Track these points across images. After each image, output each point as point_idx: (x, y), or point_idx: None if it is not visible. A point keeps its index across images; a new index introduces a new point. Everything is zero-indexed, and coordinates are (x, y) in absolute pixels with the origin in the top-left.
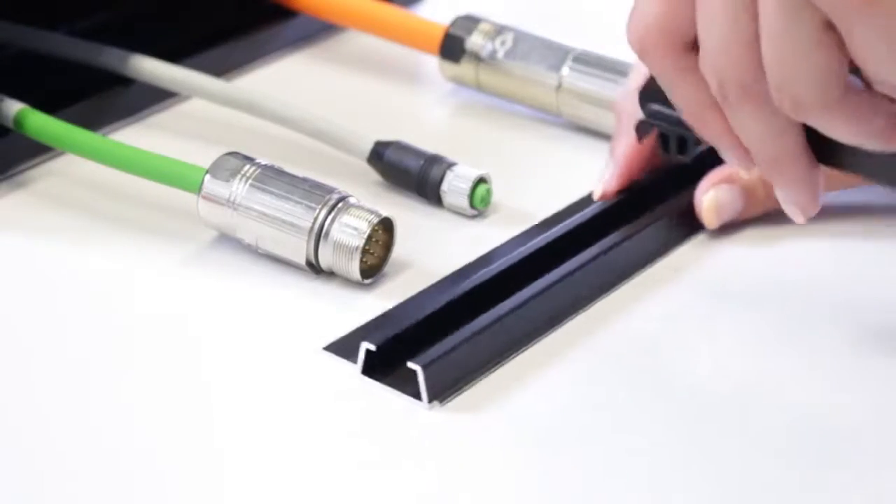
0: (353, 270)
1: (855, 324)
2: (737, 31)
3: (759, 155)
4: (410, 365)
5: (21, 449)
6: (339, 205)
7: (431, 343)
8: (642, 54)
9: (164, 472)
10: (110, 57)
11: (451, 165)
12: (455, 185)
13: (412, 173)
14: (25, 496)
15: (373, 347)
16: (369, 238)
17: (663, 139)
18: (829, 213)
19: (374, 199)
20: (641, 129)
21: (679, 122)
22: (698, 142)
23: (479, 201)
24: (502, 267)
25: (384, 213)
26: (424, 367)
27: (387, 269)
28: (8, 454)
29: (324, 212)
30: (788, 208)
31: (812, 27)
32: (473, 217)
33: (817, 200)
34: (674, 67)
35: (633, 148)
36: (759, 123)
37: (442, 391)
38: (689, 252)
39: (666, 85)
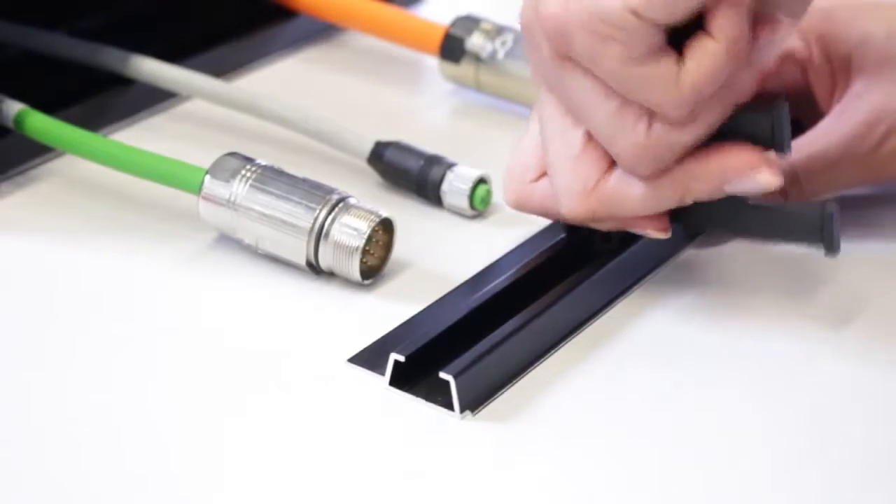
0: (353, 271)
1: (853, 321)
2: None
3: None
4: (443, 375)
5: (19, 448)
6: (340, 205)
7: (456, 353)
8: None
9: (170, 476)
10: (110, 57)
11: (451, 166)
12: (455, 186)
13: (412, 174)
14: (22, 496)
15: (401, 358)
16: (369, 238)
17: (590, 233)
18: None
19: (374, 200)
20: (572, 227)
21: None
22: (622, 235)
23: (479, 202)
24: (520, 274)
25: (384, 214)
26: (456, 377)
27: (387, 269)
28: (7, 453)
29: (324, 212)
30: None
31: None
32: (473, 217)
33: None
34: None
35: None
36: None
37: (474, 401)
38: (695, 253)
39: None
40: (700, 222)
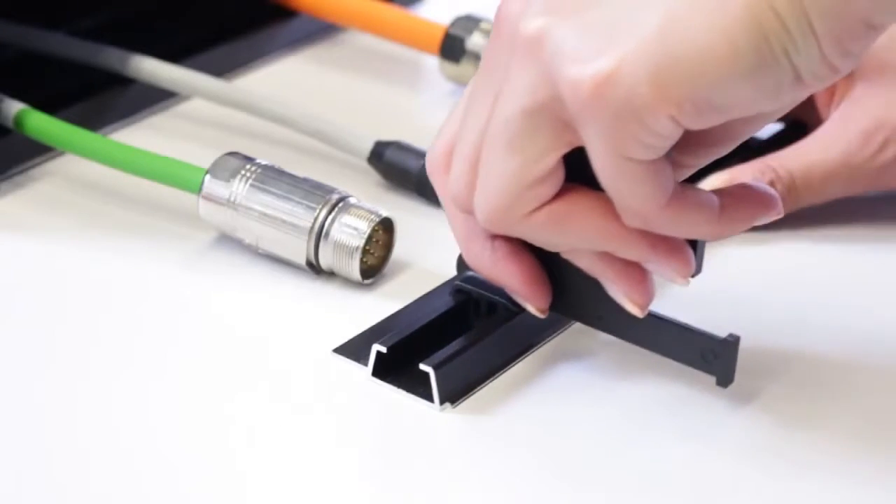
0: (354, 270)
1: (842, 322)
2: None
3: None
4: (423, 367)
5: (19, 448)
6: (340, 205)
7: (440, 345)
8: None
9: (167, 474)
10: (110, 57)
11: None
12: None
13: (412, 173)
14: (20, 496)
15: (384, 350)
16: (369, 238)
17: (475, 303)
18: (819, 217)
19: (374, 199)
20: (458, 292)
21: (490, 289)
22: (508, 308)
23: None
24: None
25: (384, 213)
26: (436, 369)
27: (387, 269)
28: (6, 453)
29: (324, 212)
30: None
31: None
32: None
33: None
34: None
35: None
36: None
37: (454, 393)
38: None
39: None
40: (587, 321)
